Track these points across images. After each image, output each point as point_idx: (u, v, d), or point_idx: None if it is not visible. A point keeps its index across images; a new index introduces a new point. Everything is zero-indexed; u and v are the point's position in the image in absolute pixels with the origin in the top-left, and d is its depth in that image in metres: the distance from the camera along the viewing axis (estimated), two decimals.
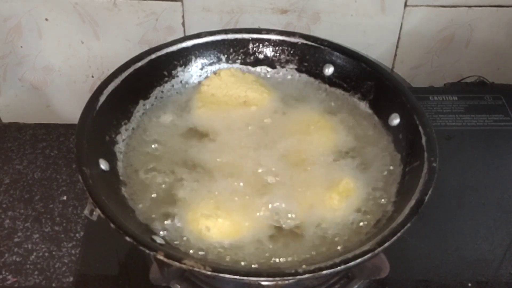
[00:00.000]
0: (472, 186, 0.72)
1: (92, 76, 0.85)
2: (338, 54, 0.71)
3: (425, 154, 0.58)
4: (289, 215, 0.58)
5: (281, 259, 0.54)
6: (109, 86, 0.64)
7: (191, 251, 0.54)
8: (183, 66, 0.71)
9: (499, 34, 0.83)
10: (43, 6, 0.77)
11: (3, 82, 0.85)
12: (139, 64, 0.67)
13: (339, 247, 0.55)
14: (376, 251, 0.49)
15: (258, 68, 0.74)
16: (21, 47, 0.81)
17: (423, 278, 0.64)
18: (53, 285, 0.67)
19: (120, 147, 0.63)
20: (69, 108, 0.88)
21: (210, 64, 0.72)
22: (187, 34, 0.80)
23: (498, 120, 0.80)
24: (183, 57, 0.71)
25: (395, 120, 0.65)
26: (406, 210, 0.53)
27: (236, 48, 0.73)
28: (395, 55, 0.85)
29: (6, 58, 0.82)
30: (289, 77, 0.73)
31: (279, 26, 0.80)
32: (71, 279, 0.67)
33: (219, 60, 0.73)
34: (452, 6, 0.80)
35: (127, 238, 0.50)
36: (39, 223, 0.74)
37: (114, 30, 0.79)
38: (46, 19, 0.78)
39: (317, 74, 0.72)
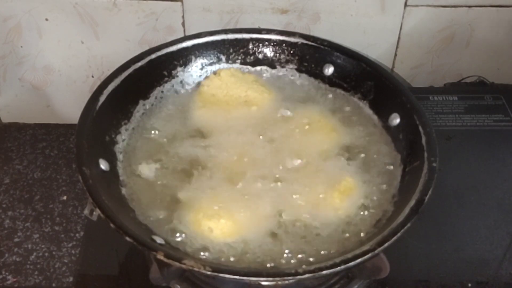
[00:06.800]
0: (472, 186, 0.72)
1: (92, 76, 0.85)
2: (338, 54, 0.71)
3: (425, 154, 0.58)
4: (291, 215, 0.58)
5: (283, 259, 0.54)
6: (109, 86, 0.64)
7: (192, 252, 0.54)
8: (183, 66, 0.71)
9: (499, 34, 0.83)
10: (43, 6, 0.77)
11: (3, 82, 0.85)
12: (139, 64, 0.67)
13: (340, 247, 0.55)
14: (376, 251, 0.49)
15: (258, 68, 0.74)
16: (21, 47, 0.81)
17: (423, 278, 0.64)
18: (53, 285, 0.67)
19: (120, 147, 0.63)
20: (69, 108, 0.88)
21: (210, 64, 0.72)
22: (187, 34, 0.80)
23: (498, 120, 0.79)
24: (183, 57, 0.71)
25: (395, 120, 0.65)
26: (406, 210, 0.53)
27: (236, 48, 0.73)
28: (395, 55, 0.85)
29: (6, 58, 0.82)
30: (289, 77, 0.73)
31: (279, 26, 0.80)
32: (71, 279, 0.67)
33: (219, 60, 0.73)
34: (452, 6, 0.80)
35: (127, 238, 0.49)
36: (39, 223, 0.74)
37: (114, 30, 0.79)
38: (46, 19, 0.78)
39: (317, 74, 0.72)
